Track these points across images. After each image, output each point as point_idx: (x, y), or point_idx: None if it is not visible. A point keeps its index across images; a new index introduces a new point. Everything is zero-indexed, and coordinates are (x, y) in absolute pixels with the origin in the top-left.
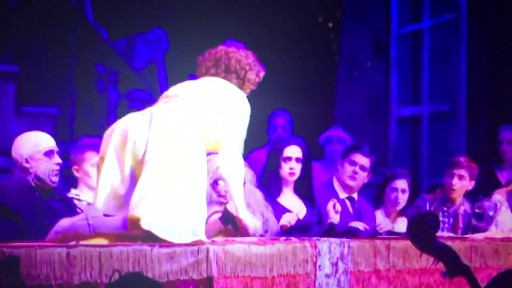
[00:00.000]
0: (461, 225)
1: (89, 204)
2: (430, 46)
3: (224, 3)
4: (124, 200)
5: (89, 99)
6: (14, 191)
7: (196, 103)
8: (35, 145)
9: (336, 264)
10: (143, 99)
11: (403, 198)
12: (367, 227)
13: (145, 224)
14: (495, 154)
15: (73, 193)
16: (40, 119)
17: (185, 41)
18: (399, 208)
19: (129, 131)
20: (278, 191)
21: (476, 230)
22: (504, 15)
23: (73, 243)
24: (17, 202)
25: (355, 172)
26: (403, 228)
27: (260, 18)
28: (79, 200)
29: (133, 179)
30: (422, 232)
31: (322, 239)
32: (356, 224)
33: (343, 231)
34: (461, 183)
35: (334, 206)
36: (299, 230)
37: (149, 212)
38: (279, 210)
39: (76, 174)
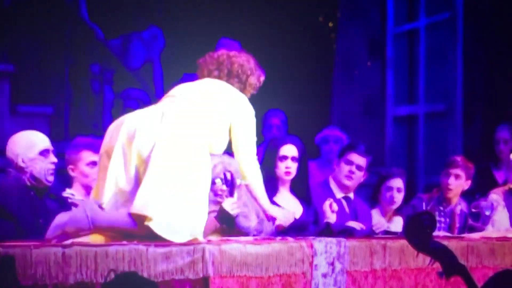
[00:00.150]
0: (457, 225)
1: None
2: (426, 45)
3: (221, 1)
4: (129, 196)
5: (84, 99)
6: (9, 190)
7: (203, 103)
8: (30, 145)
9: (332, 264)
10: (138, 98)
11: (398, 197)
12: (364, 227)
13: (154, 225)
14: (492, 154)
15: (68, 192)
16: (35, 118)
17: (181, 40)
18: (394, 207)
19: (138, 128)
20: (274, 191)
21: (472, 229)
22: (500, 14)
23: (69, 241)
24: (13, 201)
25: (351, 172)
26: (399, 228)
27: (256, 16)
28: (74, 199)
29: (137, 176)
30: (419, 232)
31: (318, 238)
32: (352, 223)
33: (339, 231)
34: (457, 183)
35: (330, 206)
36: (295, 229)
37: (158, 213)
38: None
39: (72, 174)
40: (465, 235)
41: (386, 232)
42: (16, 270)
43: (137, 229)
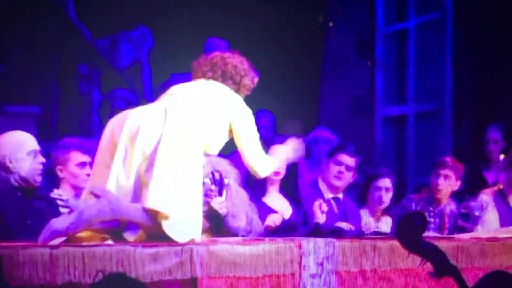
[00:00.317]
0: (447, 225)
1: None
2: (415, 45)
3: (210, 0)
4: (129, 192)
5: (71, 99)
6: None
7: (202, 103)
8: (18, 145)
9: (321, 264)
10: (126, 98)
11: (387, 197)
12: (353, 228)
13: (166, 225)
14: (482, 154)
15: (56, 193)
16: (22, 118)
17: (169, 40)
18: (383, 207)
19: (141, 125)
20: (263, 191)
21: (462, 230)
22: (490, 14)
23: (57, 241)
24: (0, 202)
25: (340, 172)
26: (387, 227)
27: (245, 16)
28: (62, 200)
29: (138, 173)
30: (410, 232)
31: (307, 239)
32: (341, 224)
33: (329, 231)
34: (447, 183)
35: (320, 206)
36: (285, 230)
37: (170, 212)
38: (264, 210)
39: (60, 174)
40: (455, 235)
41: (376, 232)
42: (3, 271)
43: (151, 224)
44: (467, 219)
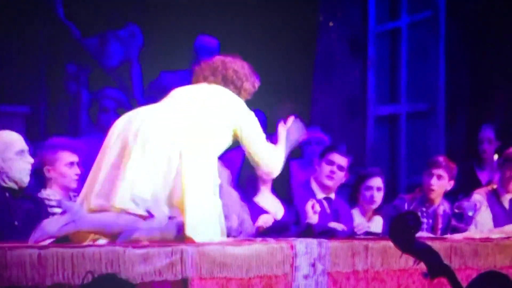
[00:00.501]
0: (440, 226)
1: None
2: (408, 44)
3: None
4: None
5: (60, 98)
6: None
7: (205, 108)
8: (6, 145)
9: (313, 265)
10: (116, 97)
11: (378, 197)
12: (345, 228)
13: (188, 229)
14: (475, 154)
15: (44, 194)
16: (11, 118)
17: (159, 37)
18: (374, 206)
19: (153, 127)
20: (255, 191)
21: (455, 230)
22: (482, 12)
23: (46, 242)
24: None
25: (332, 172)
26: (379, 227)
27: (235, 15)
28: (51, 200)
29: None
30: (403, 232)
31: (299, 239)
32: (333, 224)
33: (321, 232)
34: (440, 183)
35: (313, 207)
36: (276, 230)
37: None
38: (256, 210)
39: (48, 175)
40: (448, 236)
41: (368, 233)
42: None
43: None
44: (460, 219)
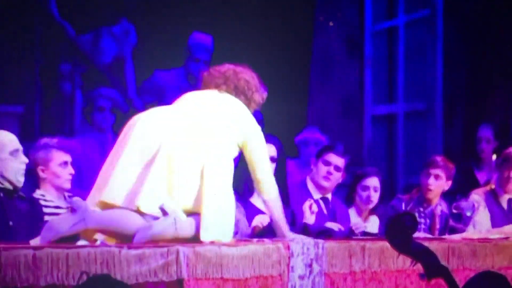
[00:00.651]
0: (438, 226)
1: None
2: (405, 43)
3: None
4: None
5: (55, 98)
6: None
7: (217, 115)
8: (1, 145)
9: (310, 266)
10: (111, 97)
11: (375, 197)
12: (342, 228)
13: (202, 231)
14: (473, 153)
15: (38, 193)
16: (4, 118)
17: (153, 35)
18: (371, 206)
19: (171, 131)
20: (251, 191)
21: (453, 231)
22: (480, 11)
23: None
24: None
25: (329, 173)
26: (375, 227)
27: (231, 13)
28: (45, 200)
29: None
30: (400, 233)
31: (295, 240)
32: (330, 224)
33: (318, 232)
34: (438, 183)
35: (310, 207)
36: (272, 231)
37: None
38: (252, 211)
39: (42, 175)
40: (446, 236)
41: (365, 233)
42: None
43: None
44: (458, 220)
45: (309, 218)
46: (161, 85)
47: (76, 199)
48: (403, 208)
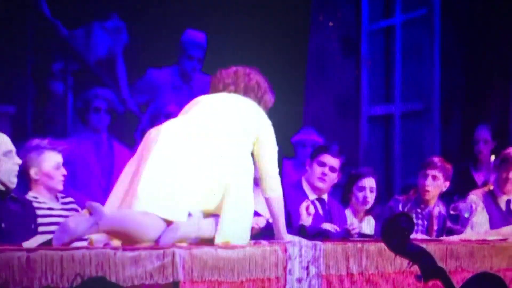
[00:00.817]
0: (435, 227)
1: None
2: (402, 43)
3: None
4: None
5: (47, 98)
6: None
7: (233, 117)
8: None
9: (307, 268)
10: (107, 97)
11: (371, 197)
12: (338, 229)
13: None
14: (471, 154)
15: (30, 195)
16: None
17: (145, 33)
18: (367, 207)
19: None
20: None
21: (451, 232)
22: (478, 10)
23: (27, 243)
24: None
25: (324, 174)
26: (371, 227)
27: (226, 12)
28: (38, 202)
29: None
30: (396, 234)
31: (293, 242)
32: (326, 225)
33: (314, 234)
34: (435, 184)
35: (307, 208)
36: (269, 233)
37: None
38: None
39: (34, 177)
40: (444, 238)
41: (362, 234)
42: None
43: None
44: (456, 221)
45: (306, 220)
46: (154, 83)
47: (94, 203)
48: (401, 209)
